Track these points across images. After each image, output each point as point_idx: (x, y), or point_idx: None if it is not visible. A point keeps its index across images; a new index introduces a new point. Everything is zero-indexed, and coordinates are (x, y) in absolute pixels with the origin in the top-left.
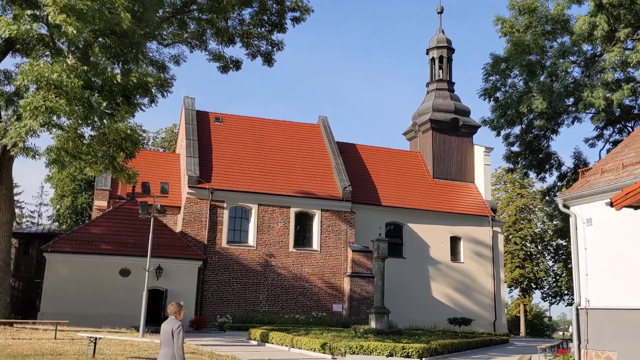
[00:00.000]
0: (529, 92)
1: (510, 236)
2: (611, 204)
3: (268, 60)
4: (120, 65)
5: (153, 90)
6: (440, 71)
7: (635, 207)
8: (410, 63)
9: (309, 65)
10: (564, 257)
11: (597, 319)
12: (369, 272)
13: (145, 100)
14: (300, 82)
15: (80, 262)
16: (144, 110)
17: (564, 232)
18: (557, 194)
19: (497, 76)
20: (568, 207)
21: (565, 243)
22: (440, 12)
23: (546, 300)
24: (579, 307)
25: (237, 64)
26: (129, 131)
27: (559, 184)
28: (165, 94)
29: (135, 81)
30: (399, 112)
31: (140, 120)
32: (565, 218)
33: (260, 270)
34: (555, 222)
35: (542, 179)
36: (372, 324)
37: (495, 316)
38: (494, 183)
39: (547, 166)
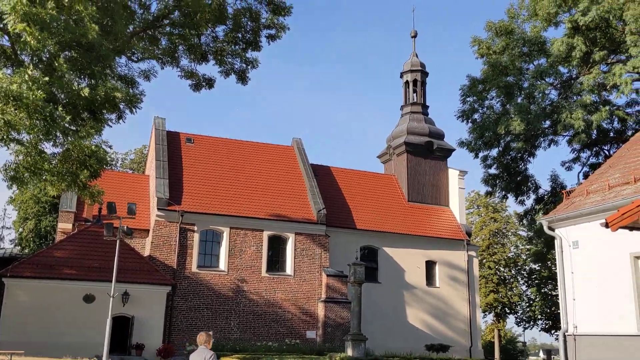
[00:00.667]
0: (506, 114)
1: (484, 260)
2: (606, 225)
3: (242, 78)
4: (86, 79)
5: (121, 106)
6: (415, 94)
7: (631, 229)
8: (384, 87)
9: (282, 89)
10: (537, 281)
11: (586, 346)
12: (344, 298)
13: (113, 116)
14: (273, 105)
15: (42, 287)
16: (111, 126)
17: (542, 255)
18: (535, 217)
19: (474, 97)
20: (553, 229)
21: (539, 268)
22: (414, 37)
23: (520, 325)
24: (566, 334)
25: (209, 82)
26: (93, 147)
27: (536, 207)
28: (134, 110)
29: (102, 96)
30: (374, 135)
31: (109, 140)
32: (546, 241)
33: (231, 295)
34: (528, 247)
35: (521, 202)
36: (349, 352)
37: (471, 342)
38: (467, 207)
39: (525, 189)
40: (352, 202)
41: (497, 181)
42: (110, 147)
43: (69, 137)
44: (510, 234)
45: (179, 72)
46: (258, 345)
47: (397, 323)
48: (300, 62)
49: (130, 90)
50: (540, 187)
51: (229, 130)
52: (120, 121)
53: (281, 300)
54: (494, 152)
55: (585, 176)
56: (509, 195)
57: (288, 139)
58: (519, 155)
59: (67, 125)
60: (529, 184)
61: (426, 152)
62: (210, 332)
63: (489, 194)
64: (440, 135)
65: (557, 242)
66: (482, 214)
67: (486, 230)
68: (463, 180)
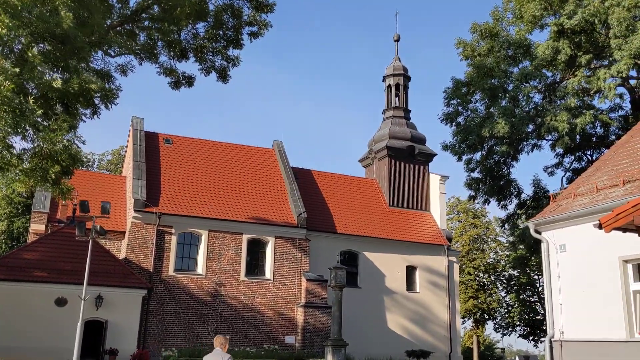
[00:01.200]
0: (490, 117)
1: (464, 266)
2: (600, 226)
3: (223, 76)
4: (60, 72)
5: (96, 101)
6: (397, 99)
7: (625, 230)
8: (366, 90)
9: (263, 92)
10: (515, 287)
11: (573, 352)
12: (324, 303)
13: (88, 111)
14: (254, 108)
15: (11, 290)
16: (85, 121)
17: (524, 260)
18: (517, 221)
19: (458, 100)
20: (540, 233)
21: (518, 274)
22: (397, 40)
23: (498, 331)
24: (552, 339)
25: (189, 80)
26: (65, 142)
27: (518, 211)
28: (110, 105)
29: (76, 88)
30: (355, 139)
31: (85, 141)
32: (529, 246)
33: (209, 300)
34: (508, 253)
35: (504, 207)
36: (329, 357)
37: (450, 348)
38: (448, 212)
39: (507, 193)
40: (333, 206)
41: (480, 185)
42: (83, 142)
43: (40, 132)
44: (490, 240)
45: (157, 68)
46: (236, 350)
47: (377, 328)
48: (282, 66)
49: (107, 85)
50: (522, 192)
51: (209, 132)
52: (95, 116)
53: (260, 305)
54: (477, 155)
55: (570, 181)
56: (491, 199)
57: (269, 142)
58: (502, 159)
59: (38, 119)
60: (512, 188)
61: (408, 157)
62: (228, 337)
63: (471, 198)
64: (422, 140)
65: (543, 246)
66: (462, 220)
67: (466, 236)
68: (444, 185)
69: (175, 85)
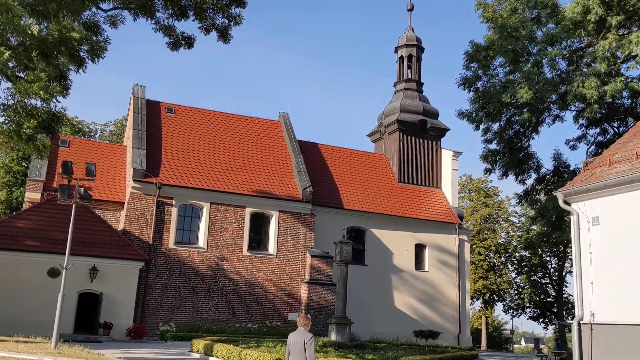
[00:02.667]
0: (512, 83)
1: (474, 246)
2: None
3: (224, 35)
4: (37, 19)
5: (82, 54)
6: (409, 71)
7: None
8: (378, 63)
9: (271, 64)
10: (526, 268)
11: (605, 337)
12: (329, 280)
13: (72, 67)
14: (261, 81)
15: (1, 259)
16: (70, 79)
17: (545, 237)
18: (536, 197)
19: (477, 64)
20: (569, 204)
21: (529, 255)
22: (411, 10)
23: (508, 313)
24: (581, 322)
25: (189, 41)
26: (42, 94)
27: (537, 187)
28: (97, 59)
29: (55, 36)
30: (364, 114)
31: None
32: (551, 221)
33: (210, 274)
34: (519, 233)
35: (522, 182)
36: (332, 336)
37: (459, 329)
38: (459, 191)
39: (526, 167)
40: (340, 181)
41: (498, 158)
42: (63, 94)
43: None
44: (501, 219)
45: (153, 24)
46: (237, 326)
47: (383, 308)
48: (291, 37)
49: (94, 38)
50: (542, 167)
51: (214, 104)
52: (81, 70)
53: (263, 281)
54: (496, 126)
55: (595, 155)
56: (509, 173)
57: (275, 114)
58: (522, 130)
59: (12, 67)
60: (531, 162)
61: (419, 131)
62: (309, 316)
63: (488, 171)
64: (434, 114)
65: (573, 219)
66: (474, 199)
67: (477, 215)
68: (457, 162)
69: (174, 45)
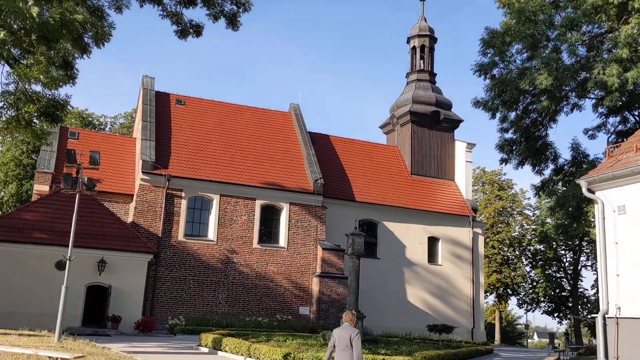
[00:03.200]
0: (530, 69)
1: (488, 239)
2: None
3: (232, 22)
4: (38, 1)
5: (85, 39)
6: (422, 61)
7: None
8: (390, 53)
9: (282, 55)
10: (541, 262)
11: (632, 332)
12: (340, 273)
13: (76, 53)
14: (272, 73)
15: (8, 251)
16: (70, 60)
17: (564, 228)
18: (555, 188)
19: (494, 50)
20: (593, 192)
21: (543, 248)
22: (423, 0)
23: (522, 307)
24: (606, 316)
25: (197, 29)
26: (42, 78)
27: (554, 177)
28: (102, 44)
29: (57, 19)
30: (376, 105)
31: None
32: (569, 212)
33: (220, 267)
34: (534, 227)
35: (539, 172)
36: None
37: (473, 323)
38: (472, 184)
39: (544, 157)
40: (352, 173)
41: (514, 147)
42: (69, 81)
43: (14, 67)
44: (515, 213)
45: (160, 11)
46: (247, 320)
47: (396, 301)
48: (301, 29)
49: (99, 23)
50: (560, 157)
51: (224, 97)
52: (86, 56)
53: (273, 274)
54: (512, 115)
55: (615, 143)
56: (526, 163)
57: (286, 105)
58: (540, 118)
59: (10, 50)
60: (548, 152)
61: (432, 123)
62: (354, 312)
63: (503, 161)
64: (447, 105)
65: (597, 208)
66: (487, 192)
67: (491, 208)
68: (470, 154)
69: (182, 34)
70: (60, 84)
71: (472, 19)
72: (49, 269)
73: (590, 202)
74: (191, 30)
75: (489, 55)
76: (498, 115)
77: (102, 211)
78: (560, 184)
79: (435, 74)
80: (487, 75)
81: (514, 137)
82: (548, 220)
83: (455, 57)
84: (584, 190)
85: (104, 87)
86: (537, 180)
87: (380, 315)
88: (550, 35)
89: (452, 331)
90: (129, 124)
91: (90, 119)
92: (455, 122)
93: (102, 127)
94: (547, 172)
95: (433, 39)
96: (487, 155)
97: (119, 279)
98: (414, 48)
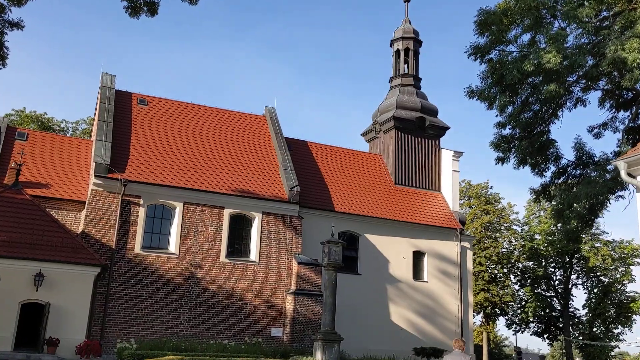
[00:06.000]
0: (536, 47)
1: (475, 256)
2: None
3: None
4: None
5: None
6: (406, 65)
7: None
8: (373, 58)
9: (259, 55)
10: (530, 280)
11: None
12: (318, 290)
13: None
14: (248, 76)
15: None
16: None
17: (573, 234)
18: (556, 193)
19: (490, 36)
20: (635, 176)
21: (533, 265)
22: (407, 1)
23: (510, 328)
24: None
25: (151, 6)
26: None
27: (556, 181)
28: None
29: None
30: (357, 112)
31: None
32: (580, 216)
33: (182, 283)
34: (522, 242)
35: (540, 173)
36: (318, 356)
37: None
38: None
39: (546, 156)
40: (331, 181)
41: (512, 144)
42: None
43: None
44: (503, 228)
45: None
46: (210, 343)
47: (379, 322)
48: (278, 32)
49: None
50: (562, 157)
51: (196, 98)
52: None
53: (243, 291)
54: (510, 109)
55: (634, 143)
56: (526, 162)
57: (260, 109)
58: (543, 111)
59: None
60: (550, 151)
61: (417, 130)
62: (463, 339)
63: (500, 160)
64: (433, 112)
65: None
66: (474, 206)
67: (477, 223)
68: (458, 163)
69: (134, 11)
70: None
71: (461, 24)
72: None
73: (602, 207)
74: (145, 8)
75: (486, 37)
76: (495, 105)
77: (43, 217)
78: (563, 187)
79: (420, 79)
80: (484, 60)
81: (513, 132)
82: (537, 236)
83: (441, 63)
84: (622, 174)
85: (68, 91)
86: (533, 183)
87: (360, 337)
88: (558, 6)
89: (442, 355)
90: (92, 129)
91: (50, 123)
92: (442, 130)
93: (64, 132)
94: (548, 175)
95: (418, 42)
96: (473, 167)
97: (59, 295)
98: (397, 51)
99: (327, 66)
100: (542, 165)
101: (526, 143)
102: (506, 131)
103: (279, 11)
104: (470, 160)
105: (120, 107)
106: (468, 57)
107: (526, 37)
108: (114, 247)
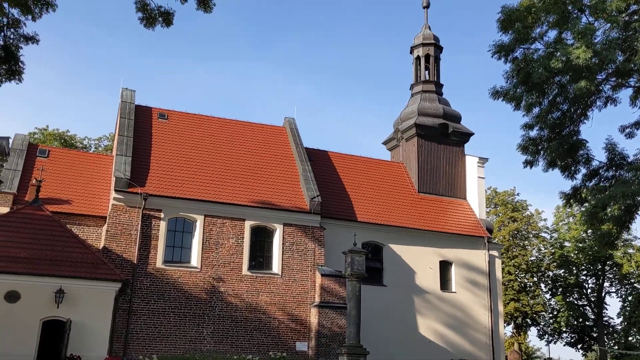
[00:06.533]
0: (563, 43)
1: (503, 265)
2: None
3: (204, 3)
4: None
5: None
6: (427, 72)
7: None
8: (393, 65)
9: (278, 66)
10: (561, 289)
11: None
12: (342, 302)
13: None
14: (267, 86)
15: None
16: (12, 49)
17: (607, 238)
18: (588, 196)
19: (514, 34)
20: None
21: (564, 274)
22: (426, 7)
23: (542, 339)
24: None
25: (166, 17)
26: None
27: (587, 183)
28: (47, 9)
29: None
30: (378, 121)
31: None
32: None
33: (204, 297)
34: (552, 250)
35: (571, 175)
36: None
37: (493, 357)
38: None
39: (577, 157)
40: (353, 191)
41: (541, 146)
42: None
43: None
44: (531, 235)
45: None
46: (235, 359)
47: (406, 334)
48: (296, 39)
49: None
50: (593, 159)
51: (216, 110)
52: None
53: (266, 304)
54: (536, 110)
55: None
56: (556, 163)
57: (280, 120)
58: (572, 110)
59: None
60: (581, 151)
61: (440, 137)
62: (517, 350)
63: (528, 163)
64: (456, 118)
65: None
66: (500, 213)
67: (505, 231)
68: (483, 169)
69: (149, 22)
70: (3, 80)
71: (482, 28)
72: None
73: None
74: (160, 19)
75: (510, 34)
76: (522, 105)
77: (64, 233)
78: (595, 190)
79: (442, 85)
80: (508, 59)
81: (540, 134)
82: (567, 243)
83: (463, 69)
84: None
85: (90, 108)
86: (560, 188)
87: (388, 350)
88: (585, 0)
89: None
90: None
91: (72, 141)
92: (466, 136)
93: (86, 149)
94: (579, 177)
95: (438, 48)
96: (498, 174)
97: (80, 311)
98: (417, 58)
99: (346, 75)
100: (573, 168)
101: (556, 144)
102: (533, 133)
103: (296, 29)
104: (495, 167)
105: (141, 122)
106: (492, 56)
107: (552, 35)
108: (135, 262)
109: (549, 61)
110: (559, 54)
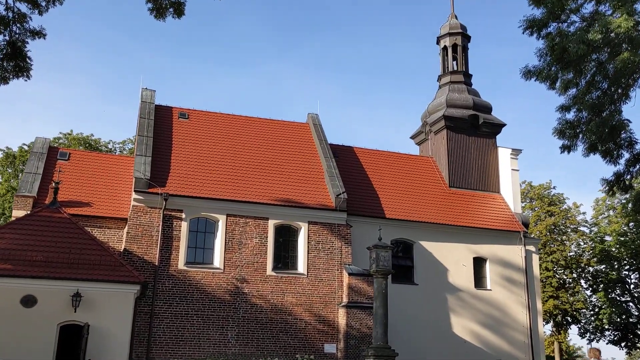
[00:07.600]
0: (601, 15)
1: (541, 261)
2: None
3: None
4: None
5: None
6: (455, 62)
7: None
8: (418, 57)
9: (300, 62)
10: (603, 285)
11: None
12: (371, 302)
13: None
14: (290, 80)
15: None
16: (19, 45)
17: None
18: (633, 183)
19: (545, 10)
20: None
21: (605, 269)
22: None
23: (584, 337)
24: None
25: (177, 7)
26: None
27: (631, 169)
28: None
29: None
30: (405, 114)
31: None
32: None
33: (228, 299)
34: (592, 245)
35: (613, 161)
36: None
37: (532, 356)
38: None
39: (619, 141)
40: (380, 187)
41: (579, 129)
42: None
43: None
44: (569, 230)
45: None
46: None
47: (439, 334)
48: (320, 36)
49: None
50: (637, 142)
51: (237, 109)
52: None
53: (292, 305)
54: (573, 91)
55: None
56: (597, 147)
57: (303, 116)
58: (612, 89)
59: None
60: (622, 136)
61: (470, 128)
62: (597, 348)
63: (566, 148)
64: (487, 108)
65: None
66: (536, 208)
67: (541, 225)
68: (516, 161)
69: (159, 13)
70: (10, 77)
71: (511, 16)
72: (14, 305)
73: None
74: (170, 9)
75: (542, 8)
76: (557, 85)
77: (81, 236)
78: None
79: (471, 75)
80: (541, 35)
81: (579, 116)
82: (607, 237)
83: (492, 58)
84: None
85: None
86: (605, 172)
87: (419, 352)
88: None
89: None
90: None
91: (97, 145)
92: (497, 127)
93: (111, 153)
94: (622, 163)
95: (466, 37)
96: (533, 166)
97: (98, 315)
98: (444, 48)
99: (371, 71)
100: (615, 152)
101: (595, 125)
102: (570, 115)
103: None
104: (528, 161)
105: (161, 122)
106: (523, 32)
107: (589, 8)
108: (157, 263)
109: (586, 34)
110: (597, 25)
